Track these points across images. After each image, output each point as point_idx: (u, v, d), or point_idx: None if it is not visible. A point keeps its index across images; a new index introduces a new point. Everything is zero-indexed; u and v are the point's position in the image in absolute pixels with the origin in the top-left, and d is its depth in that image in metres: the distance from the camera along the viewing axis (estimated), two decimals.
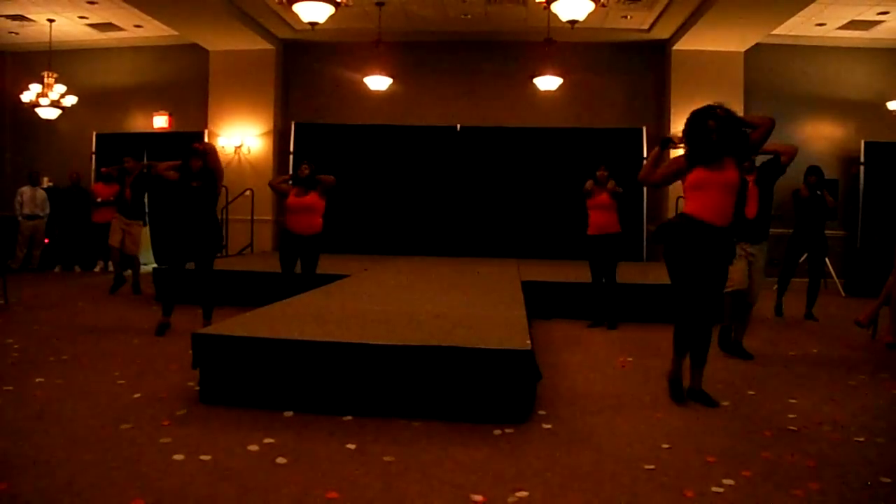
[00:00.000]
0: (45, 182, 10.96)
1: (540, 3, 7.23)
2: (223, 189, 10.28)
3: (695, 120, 3.75)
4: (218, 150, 10.76)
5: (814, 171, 7.18)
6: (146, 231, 10.70)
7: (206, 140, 10.90)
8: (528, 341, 3.51)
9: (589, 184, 6.17)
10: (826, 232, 7.31)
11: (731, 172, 3.63)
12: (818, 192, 7.15)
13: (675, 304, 3.76)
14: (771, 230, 5.11)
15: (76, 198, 10.66)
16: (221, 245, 5.66)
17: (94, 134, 11.33)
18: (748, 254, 4.88)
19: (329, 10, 6.72)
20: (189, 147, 5.50)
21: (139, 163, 8.49)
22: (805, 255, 7.52)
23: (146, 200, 10.65)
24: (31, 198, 10.22)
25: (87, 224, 10.41)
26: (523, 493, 2.48)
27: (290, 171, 10.46)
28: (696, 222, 3.63)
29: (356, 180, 10.69)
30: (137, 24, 10.34)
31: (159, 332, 5.46)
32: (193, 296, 5.91)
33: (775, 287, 7.20)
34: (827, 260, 9.05)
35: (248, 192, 10.35)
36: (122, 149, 10.66)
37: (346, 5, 7.08)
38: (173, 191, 5.52)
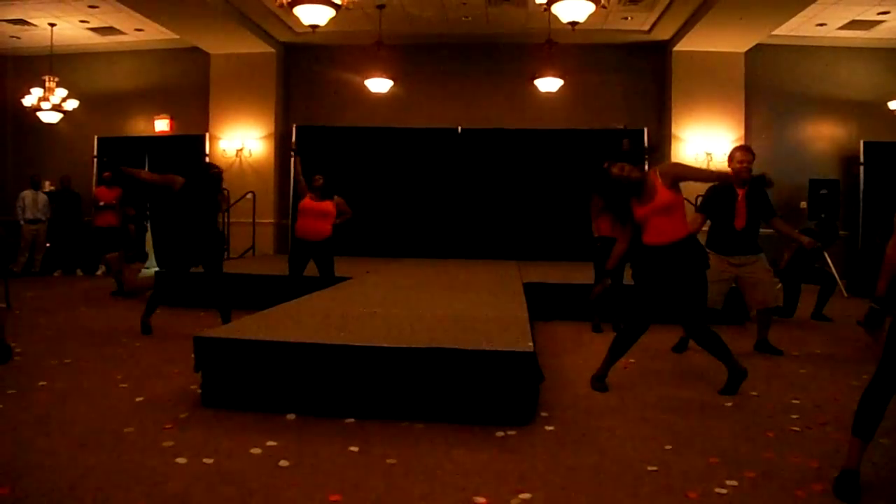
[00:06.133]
0: (47, 186, 10.99)
1: (540, 4, 7.23)
2: (225, 192, 10.35)
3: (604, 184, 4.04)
4: (220, 154, 10.87)
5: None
6: (149, 235, 10.76)
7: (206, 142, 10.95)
8: (531, 343, 3.51)
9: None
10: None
11: (661, 197, 3.87)
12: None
13: (633, 314, 4.08)
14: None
15: (67, 201, 10.70)
16: (223, 249, 5.72)
17: (96, 138, 11.36)
18: (733, 266, 4.92)
19: (330, 12, 6.72)
20: (204, 166, 5.71)
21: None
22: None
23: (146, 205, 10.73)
24: (33, 202, 10.25)
25: (81, 227, 10.45)
26: (526, 495, 2.47)
27: (293, 173, 10.50)
28: (646, 248, 3.96)
29: (358, 183, 10.68)
30: (138, 27, 10.36)
31: (145, 331, 5.56)
32: (199, 299, 5.94)
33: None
34: (829, 260, 9.04)
35: (249, 196, 10.36)
36: (124, 152, 10.72)
37: (347, 8, 7.08)
38: (177, 199, 5.60)
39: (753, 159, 4.84)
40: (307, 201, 6.02)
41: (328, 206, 5.99)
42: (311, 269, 6.29)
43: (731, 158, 4.90)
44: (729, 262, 4.90)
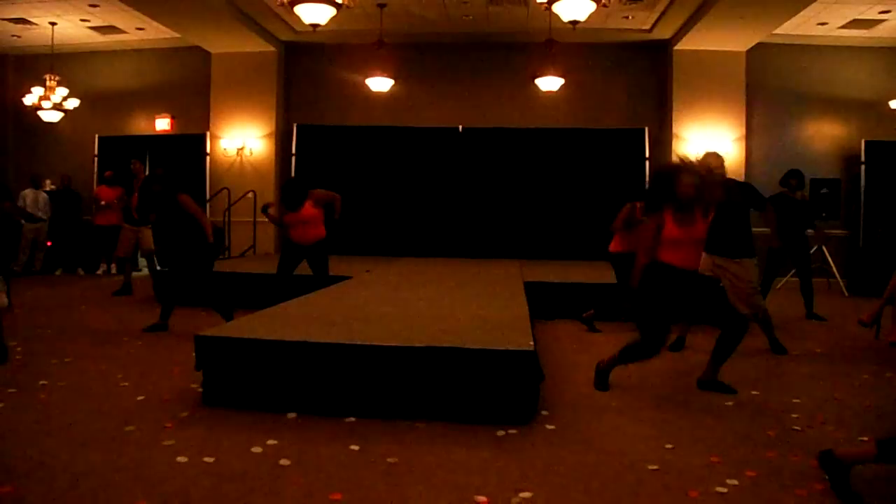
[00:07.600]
0: (48, 185, 10.99)
1: (541, 3, 7.23)
2: (226, 191, 10.38)
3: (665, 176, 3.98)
4: (221, 153, 10.87)
5: (794, 175, 7.16)
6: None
7: (208, 140, 10.94)
8: (531, 342, 3.50)
9: (638, 213, 6.02)
10: (826, 231, 7.20)
11: (700, 226, 3.85)
12: (800, 196, 7.19)
13: (645, 335, 3.86)
14: None
15: (68, 200, 10.70)
16: (206, 249, 5.72)
17: (97, 137, 11.36)
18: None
19: (330, 11, 6.73)
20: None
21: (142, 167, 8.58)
22: (788, 259, 7.33)
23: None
24: (34, 201, 10.25)
25: (82, 226, 10.46)
26: (527, 494, 2.47)
27: (293, 174, 10.55)
28: (673, 270, 3.85)
29: (358, 182, 10.70)
30: (139, 26, 10.36)
31: (149, 328, 5.62)
32: (199, 298, 6.00)
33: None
34: (830, 259, 9.04)
35: (249, 195, 10.36)
36: (125, 152, 10.71)
37: (348, 7, 7.08)
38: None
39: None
40: (287, 215, 6.09)
41: (307, 211, 6.02)
42: (302, 269, 6.29)
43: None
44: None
